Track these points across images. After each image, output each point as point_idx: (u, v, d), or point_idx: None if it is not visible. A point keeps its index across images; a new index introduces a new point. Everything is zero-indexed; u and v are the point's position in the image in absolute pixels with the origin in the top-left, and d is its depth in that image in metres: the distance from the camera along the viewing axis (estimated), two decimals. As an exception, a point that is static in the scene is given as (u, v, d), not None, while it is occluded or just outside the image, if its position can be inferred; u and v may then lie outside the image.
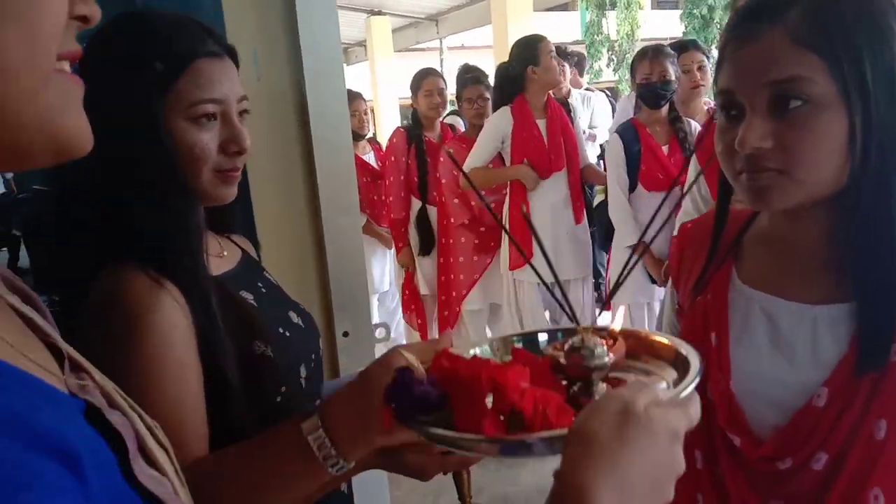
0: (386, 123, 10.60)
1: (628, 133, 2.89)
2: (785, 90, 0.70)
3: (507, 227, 3.22)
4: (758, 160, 0.72)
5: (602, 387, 0.66)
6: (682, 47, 3.06)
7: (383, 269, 4.20)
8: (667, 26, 20.00)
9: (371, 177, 4.06)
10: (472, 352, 0.73)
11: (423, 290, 3.80)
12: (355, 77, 10.90)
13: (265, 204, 1.31)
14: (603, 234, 3.19)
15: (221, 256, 1.01)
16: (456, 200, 3.50)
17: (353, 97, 4.14)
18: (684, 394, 0.57)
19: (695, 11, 19.64)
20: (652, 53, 2.85)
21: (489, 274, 3.51)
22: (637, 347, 0.71)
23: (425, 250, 3.71)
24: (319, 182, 1.35)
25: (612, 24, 19.82)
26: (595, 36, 18.61)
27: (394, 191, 3.70)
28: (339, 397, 0.75)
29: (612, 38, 19.36)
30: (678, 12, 20.83)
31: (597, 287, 3.53)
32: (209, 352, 0.84)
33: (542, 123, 3.13)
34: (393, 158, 3.70)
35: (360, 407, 0.71)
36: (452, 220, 3.51)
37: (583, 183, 3.23)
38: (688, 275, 0.95)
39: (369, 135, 4.25)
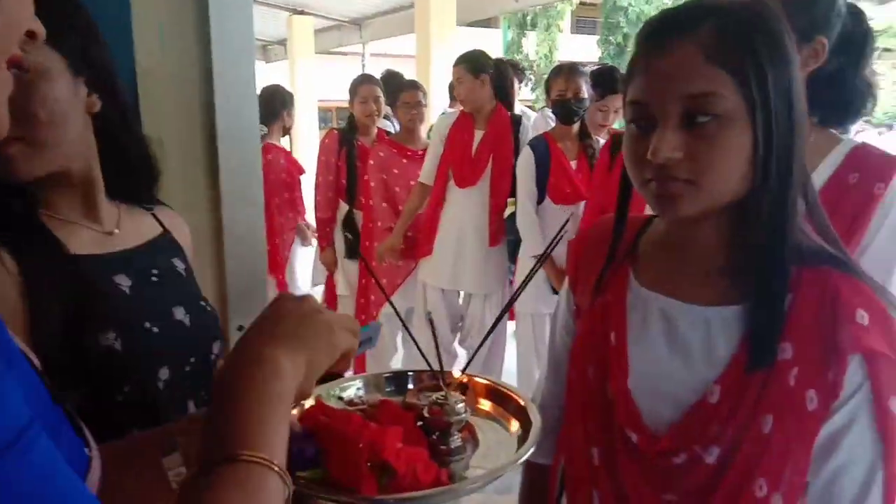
0: (304, 125, 10.43)
1: (540, 146, 2.95)
2: (697, 105, 0.73)
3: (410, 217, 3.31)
4: (668, 170, 0.75)
5: (458, 435, 0.76)
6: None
7: (304, 267, 4.17)
8: (584, 50, 20.68)
9: (297, 173, 4.02)
10: (345, 392, 0.84)
11: (343, 290, 3.77)
12: (273, 76, 10.66)
13: (162, 188, 1.26)
14: (512, 246, 3.24)
15: (111, 234, 0.94)
16: (384, 204, 3.49)
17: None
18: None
19: (610, 38, 20.45)
20: (567, 71, 2.93)
21: (414, 278, 3.53)
22: (488, 396, 0.85)
23: (351, 254, 3.69)
24: (222, 170, 1.30)
25: (531, 44, 20.33)
26: (515, 55, 19.00)
27: (322, 190, 3.68)
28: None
29: (531, 58, 19.86)
30: (595, 37, 21.62)
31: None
32: (30, 331, 0.78)
33: (479, 134, 3.16)
34: (324, 158, 3.68)
35: None
36: (379, 224, 3.49)
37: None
38: (586, 277, 0.98)
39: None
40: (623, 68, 2.88)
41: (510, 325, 3.34)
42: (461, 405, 0.78)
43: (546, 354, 1.12)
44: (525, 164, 2.95)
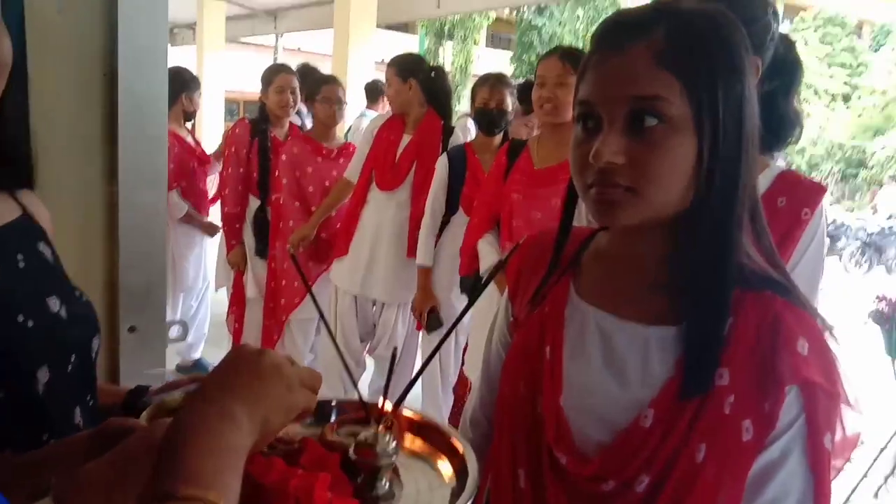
0: (209, 116, 10.01)
1: (457, 156, 2.85)
2: (643, 107, 0.71)
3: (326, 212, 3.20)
4: (609, 175, 0.72)
5: (385, 479, 0.71)
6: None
7: (199, 264, 3.89)
8: (498, 65, 21.04)
9: (199, 163, 3.77)
10: None
11: (251, 292, 3.52)
12: (180, 61, 10.19)
13: (51, 158, 1.07)
14: None
15: None
16: (296, 203, 3.30)
17: (199, 83, 3.86)
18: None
19: (524, 57, 20.93)
20: (493, 80, 2.84)
21: (323, 282, 3.36)
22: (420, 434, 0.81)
23: (262, 252, 3.47)
24: (121, 144, 1.13)
25: (448, 54, 20.48)
26: (431, 63, 19.04)
27: (231, 183, 3.42)
28: (88, 475, 0.61)
29: (447, 68, 20.00)
30: (510, 54, 22.06)
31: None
32: None
33: (407, 138, 3.03)
34: (234, 149, 3.42)
35: (117, 493, 0.60)
36: (290, 223, 3.30)
37: None
38: (525, 288, 0.94)
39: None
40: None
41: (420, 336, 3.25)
42: (392, 447, 0.69)
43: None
44: (439, 174, 2.85)
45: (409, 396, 0.78)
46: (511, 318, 0.98)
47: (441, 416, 3.02)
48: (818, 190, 1.23)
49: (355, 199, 3.09)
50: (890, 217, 12.14)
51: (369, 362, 3.35)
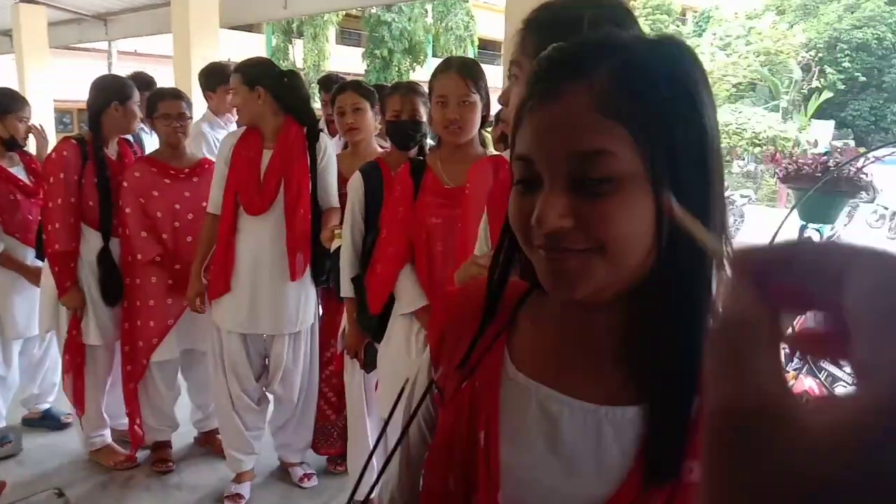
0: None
1: (372, 174, 2.56)
2: (587, 164, 0.60)
3: (205, 255, 2.82)
4: (558, 241, 0.61)
5: None
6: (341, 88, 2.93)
7: (31, 306, 3.35)
8: (350, 61, 20.78)
9: (24, 194, 3.28)
10: None
11: (94, 340, 3.06)
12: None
13: None
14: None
15: None
16: (144, 233, 2.94)
17: (23, 103, 3.37)
18: None
19: (376, 52, 20.77)
20: (404, 90, 2.59)
21: (184, 317, 3.04)
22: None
23: (112, 299, 3.03)
24: None
25: (298, 52, 19.93)
26: (282, 62, 18.52)
27: (60, 216, 2.91)
28: None
29: (299, 66, 19.45)
30: (361, 50, 21.81)
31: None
32: None
33: (268, 154, 2.75)
34: (62, 176, 2.91)
35: None
36: (140, 257, 2.95)
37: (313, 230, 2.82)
38: (451, 353, 0.78)
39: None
40: (388, 82, 2.73)
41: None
42: None
43: None
44: (354, 195, 2.56)
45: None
46: (435, 390, 0.82)
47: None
48: None
49: (224, 229, 2.75)
50: (727, 188, 13.22)
51: (269, 396, 3.06)
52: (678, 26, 27.25)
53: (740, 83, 24.96)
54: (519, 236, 0.66)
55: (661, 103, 0.60)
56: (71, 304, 2.99)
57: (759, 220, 12.12)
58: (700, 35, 26.73)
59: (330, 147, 2.90)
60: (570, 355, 0.70)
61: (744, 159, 21.39)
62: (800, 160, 3.03)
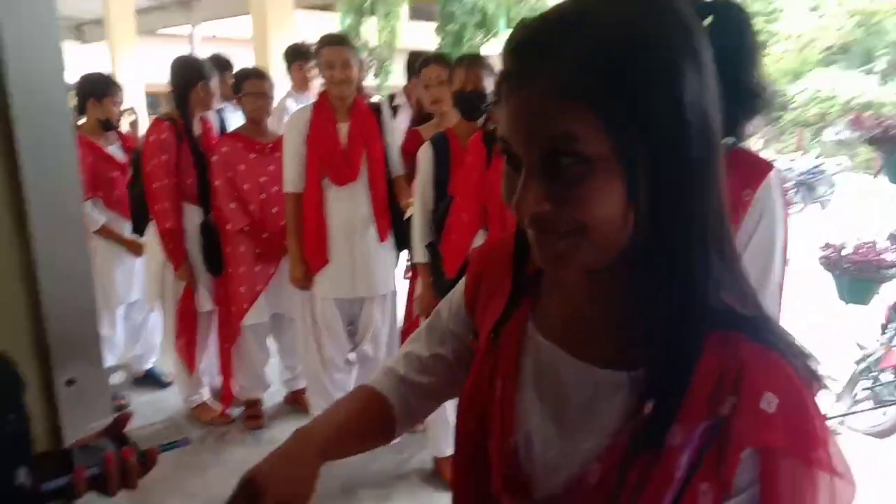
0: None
1: (441, 143, 2.68)
2: (556, 147, 0.59)
3: (298, 234, 2.95)
4: (543, 223, 0.62)
5: None
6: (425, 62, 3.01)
7: (130, 274, 3.65)
8: (423, 38, 20.79)
9: (120, 171, 3.53)
10: None
11: (206, 306, 3.33)
12: (92, 59, 9.69)
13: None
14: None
15: None
16: (233, 205, 3.14)
17: (117, 87, 3.61)
18: None
19: (448, 27, 20.71)
20: (468, 62, 2.65)
21: (273, 284, 3.24)
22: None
23: (215, 269, 3.24)
24: (27, 184, 1.01)
25: (370, 29, 20.09)
26: (355, 40, 18.70)
27: (167, 196, 3.12)
28: None
29: (372, 44, 19.63)
30: (434, 25, 21.81)
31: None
32: None
33: (343, 127, 2.90)
34: (165, 157, 3.11)
35: None
36: (229, 227, 3.15)
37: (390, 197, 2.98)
38: (485, 306, 0.83)
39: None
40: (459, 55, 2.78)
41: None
42: None
43: None
44: (424, 165, 2.67)
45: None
46: (472, 337, 0.88)
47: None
48: (761, 169, 1.15)
49: (313, 203, 2.89)
50: (819, 156, 12.60)
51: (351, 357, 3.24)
52: (763, -13, 25.89)
53: (831, 46, 23.58)
54: (517, 217, 0.66)
55: (626, 82, 0.57)
56: (184, 277, 3.22)
57: (853, 188, 11.59)
58: (787, -4, 25.35)
59: (391, 119, 3.05)
60: (580, 317, 0.73)
61: (837, 126, 20.32)
62: (886, 121, 2.91)
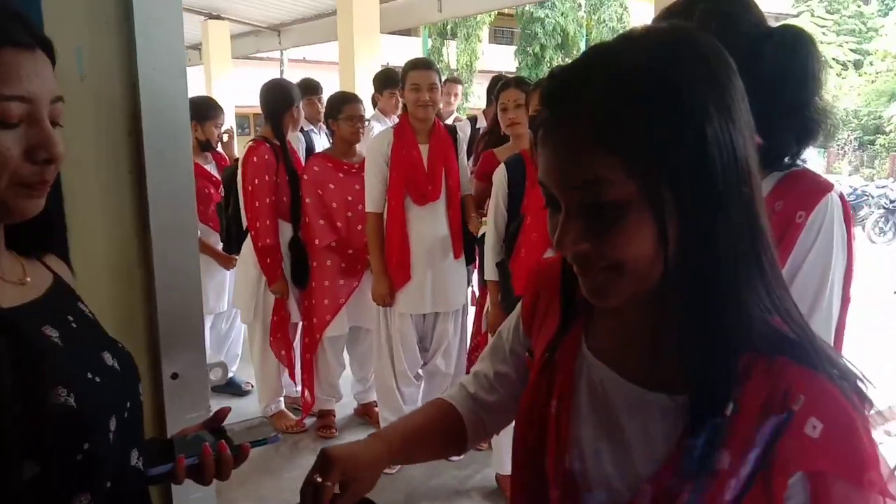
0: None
1: (516, 164, 2.74)
2: (589, 192, 0.63)
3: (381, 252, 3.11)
4: (583, 260, 0.67)
5: None
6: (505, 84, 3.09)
7: (220, 286, 3.88)
8: (503, 60, 20.98)
9: (215, 188, 3.78)
10: None
11: (295, 318, 3.52)
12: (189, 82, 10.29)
13: (82, 222, 1.12)
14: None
15: (23, 283, 0.83)
16: (321, 221, 3.32)
17: (219, 111, 3.86)
18: None
19: (528, 49, 20.86)
20: (540, 84, 2.73)
21: (352, 297, 3.41)
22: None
23: (300, 282, 3.41)
24: (151, 200, 1.17)
25: (451, 53, 20.45)
26: (437, 63, 19.02)
27: (267, 214, 3.29)
28: None
29: (452, 66, 19.97)
30: (513, 48, 22.00)
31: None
32: None
33: (424, 148, 3.06)
34: (267, 178, 3.29)
35: None
36: (317, 242, 3.34)
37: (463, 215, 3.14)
38: (541, 323, 0.88)
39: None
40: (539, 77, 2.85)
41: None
42: None
43: None
44: (498, 185, 2.76)
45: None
46: (526, 354, 0.92)
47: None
48: (818, 190, 1.12)
49: (397, 223, 3.04)
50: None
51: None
52: (859, 6, 24.87)
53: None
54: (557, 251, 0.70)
55: (647, 126, 0.60)
56: (280, 291, 3.39)
57: None
58: (886, 15, 24.25)
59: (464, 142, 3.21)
60: (627, 342, 0.75)
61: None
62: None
